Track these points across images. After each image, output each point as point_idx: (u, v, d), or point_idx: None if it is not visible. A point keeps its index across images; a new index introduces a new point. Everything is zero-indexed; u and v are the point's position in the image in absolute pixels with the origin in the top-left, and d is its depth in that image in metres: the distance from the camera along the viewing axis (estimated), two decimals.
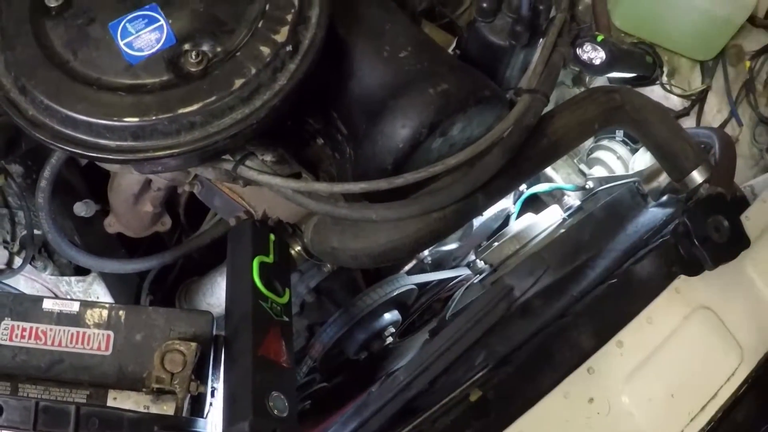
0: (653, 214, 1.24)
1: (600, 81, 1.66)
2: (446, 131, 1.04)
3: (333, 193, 0.99)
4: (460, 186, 0.97)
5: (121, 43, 0.96)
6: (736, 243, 1.12)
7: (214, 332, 1.01)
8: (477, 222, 1.39)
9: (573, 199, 1.44)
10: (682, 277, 1.12)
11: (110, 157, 0.95)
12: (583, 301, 1.11)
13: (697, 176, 1.23)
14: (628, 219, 1.23)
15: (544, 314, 1.12)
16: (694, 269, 1.10)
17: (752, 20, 1.76)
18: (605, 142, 1.69)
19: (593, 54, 1.28)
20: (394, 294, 1.42)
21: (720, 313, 1.12)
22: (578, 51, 1.27)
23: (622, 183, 1.33)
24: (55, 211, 1.31)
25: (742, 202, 1.23)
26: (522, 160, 1.04)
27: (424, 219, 0.99)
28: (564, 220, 1.36)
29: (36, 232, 1.37)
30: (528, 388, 1.04)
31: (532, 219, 1.38)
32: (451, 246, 1.39)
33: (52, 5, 0.99)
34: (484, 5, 1.16)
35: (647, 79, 1.71)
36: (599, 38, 1.29)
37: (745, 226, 1.15)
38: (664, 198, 1.29)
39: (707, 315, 1.11)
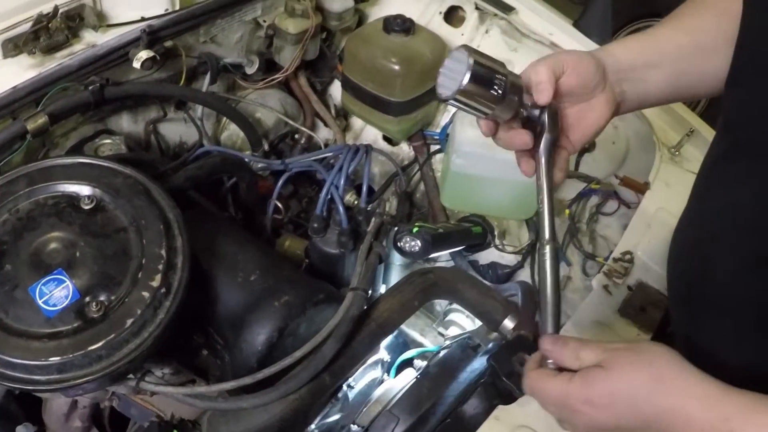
0: (481, 361, 1.63)
1: None
2: (294, 331, 1.44)
3: (212, 392, 1.37)
4: (307, 372, 1.33)
5: (40, 302, 1.27)
6: None
7: None
8: (351, 394, 1.78)
9: (421, 361, 1.84)
10: (501, 406, 1.37)
11: (42, 388, 1.25)
12: None
13: (509, 324, 1.54)
14: (459, 369, 1.55)
15: None
16: (508, 399, 1.36)
17: None
18: (455, 305, 2.09)
19: (412, 243, 1.72)
20: None
21: (536, 428, 1.35)
22: (399, 243, 1.71)
23: (457, 340, 1.75)
24: None
25: None
26: (356, 343, 1.42)
27: (285, 401, 1.34)
28: (415, 379, 1.75)
29: None
30: None
31: (390, 383, 1.75)
32: (334, 417, 1.76)
33: None
34: (315, 225, 1.61)
35: (480, 245, 2.18)
36: (414, 230, 1.71)
37: None
38: (490, 346, 1.70)
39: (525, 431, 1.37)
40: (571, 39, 2.12)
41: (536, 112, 1.04)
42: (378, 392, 1.68)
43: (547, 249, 1.03)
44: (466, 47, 0.99)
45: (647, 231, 1.75)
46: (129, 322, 1.28)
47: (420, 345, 1.97)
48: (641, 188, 1.92)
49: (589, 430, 0.96)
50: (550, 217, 1.05)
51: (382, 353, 1.82)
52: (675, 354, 0.91)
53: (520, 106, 1.02)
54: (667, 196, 1.79)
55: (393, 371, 1.87)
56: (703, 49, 1.09)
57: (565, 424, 1.01)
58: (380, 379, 1.85)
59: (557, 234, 2.08)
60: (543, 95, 1.02)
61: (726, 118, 1.07)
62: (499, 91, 0.98)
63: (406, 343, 1.95)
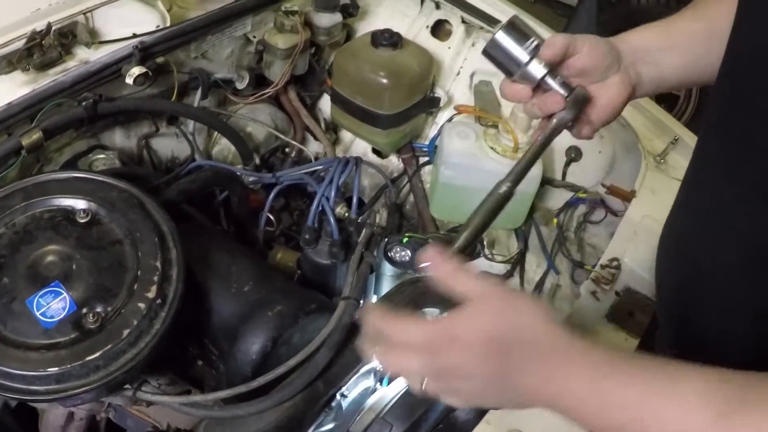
0: None
1: None
2: (287, 340, 1.47)
3: (208, 401, 1.40)
4: (301, 380, 1.37)
5: (37, 314, 1.29)
6: None
7: None
8: (345, 403, 1.80)
9: None
10: (492, 411, 1.40)
11: (40, 398, 1.28)
12: None
13: None
14: None
15: None
16: None
17: (551, 183, 2.16)
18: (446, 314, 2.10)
19: (402, 253, 1.75)
20: None
21: (527, 430, 1.38)
22: (390, 253, 1.75)
23: None
24: None
25: None
26: (348, 351, 1.46)
27: (279, 409, 1.37)
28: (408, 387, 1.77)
29: None
30: None
31: (383, 392, 1.79)
32: (328, 426, 1.78)
33: None
34: (306, 237, 1.65)
35: (470, 255, 2.20)
36: (404, 240, 1.74)
37: None
38: None
39: None
40: None
41: (564, 91, 1.09)
42: (371, 400, 1.70)
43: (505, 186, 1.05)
44: (514, 16, 1.11)
45: (634, 238, 1.78)
46: (126, 332, 1.31)
47: None
48: (627, 196, 1.95)
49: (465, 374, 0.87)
50: (524, 168, 1.08)
51: (375, 362, 1.84)
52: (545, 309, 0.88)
53: (548, 75, 1.08)
54: (653, 204, 1.82)
55: (386, 380, 1.90)
56: (718, 35, 1.08)
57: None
58: (373, 388, 1.87)
59: (546, 243, 2.16)
60: (549, 50, 1.07)
61: (716, 115, 1.06)
62: (528, 51, 1.07)
63: None
